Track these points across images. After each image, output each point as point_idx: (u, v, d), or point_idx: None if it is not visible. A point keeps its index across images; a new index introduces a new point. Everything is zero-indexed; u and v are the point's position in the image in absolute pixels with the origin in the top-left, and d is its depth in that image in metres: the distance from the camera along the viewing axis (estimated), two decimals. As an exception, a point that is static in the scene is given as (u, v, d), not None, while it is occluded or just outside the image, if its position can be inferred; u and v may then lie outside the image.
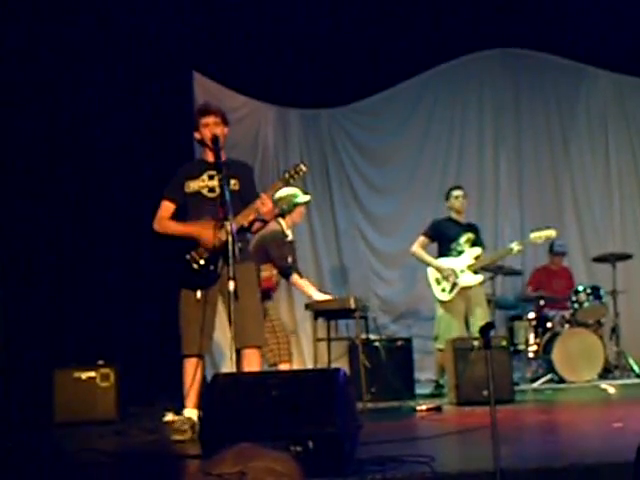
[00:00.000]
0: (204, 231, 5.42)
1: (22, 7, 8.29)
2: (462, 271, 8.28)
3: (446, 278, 8.28)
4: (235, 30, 9.37)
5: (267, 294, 7.00)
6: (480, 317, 8.14)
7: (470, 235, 8.45)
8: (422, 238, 8.55)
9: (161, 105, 8.76)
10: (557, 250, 9.92)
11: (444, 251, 8.46)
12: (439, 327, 8.38)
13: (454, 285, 8.25)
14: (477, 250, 8.39)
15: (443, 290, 8.33)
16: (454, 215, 8.56)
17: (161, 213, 5.68)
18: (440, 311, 8.40)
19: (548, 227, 8.53)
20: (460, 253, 8.37)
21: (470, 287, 8.29)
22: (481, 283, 8.42)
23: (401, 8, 9.78)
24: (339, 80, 10.02)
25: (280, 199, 7.13)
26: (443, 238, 8.50)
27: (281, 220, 7.20)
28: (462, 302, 8.30)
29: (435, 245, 8.60)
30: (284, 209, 7.18)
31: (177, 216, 5.68)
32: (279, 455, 1.50)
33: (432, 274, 8.42)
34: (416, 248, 8.52)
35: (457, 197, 8.57)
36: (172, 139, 8.64)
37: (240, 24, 9.38)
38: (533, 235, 8.41)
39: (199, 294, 5.47)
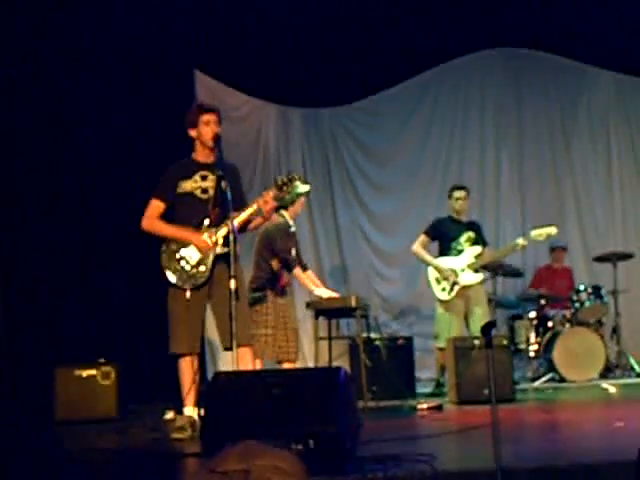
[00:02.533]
0: (200, 241, 5.44)
1: (24, 4, 8.29)
2: (462, 270, 8.29)
3: (446, 278, 8.29)
4: (237, 29, 9.37)
5: (283, 290, 7.02)
6: (480, 316, 8.14)
7: (470, 234, 8.45)
8: (422, 237, 8.56)
9: (163, 104, 8.75)
10: (555, 245, 9.89)
11: (444, 250, 8.47)
12: (439, 326, 8.40)
13: (454, 284, 8.26)
14: (477, 249, 8.40)
15: (443, 290, 8.33)
16: (454, 214, 8.56)
17: (150, 212, 5.64)
18: (440, 310, 8.41)
19: (549, 224, 8.53)
20: (460, 252, 8.38)
21: (470, 286, 8.29)
22: (481, 282, 8.42)
23: (403, 7, 9.77)
24: (341, 79, 10.01)
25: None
26: (443, 237, 8.51)
27: (284, 212, 7.20)
28: (462, 301, 8.30)
29: (437, 244, 8.61)
30: (287, 200, 7.17)
31: (165, 216, 5.66)
32: (284, 453, 1.50)
33: (432, 273, 8.43)
34: (417, 247, 8.53)
35: (457, 199, 8.56)
36: (174, 138, 8.62)
37: (242, 23, 9.37)
38: (534, 233, 8.39)
39: (188, 294, 5.46)
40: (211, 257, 5.40)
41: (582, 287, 9.30)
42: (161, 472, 4.29)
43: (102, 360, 7.07)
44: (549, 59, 10.64)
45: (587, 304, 9.13)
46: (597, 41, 10.23)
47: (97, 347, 7.54)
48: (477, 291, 8.35)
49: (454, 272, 8.27)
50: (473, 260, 8.33)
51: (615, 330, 9.34)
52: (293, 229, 7.27)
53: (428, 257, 8.49)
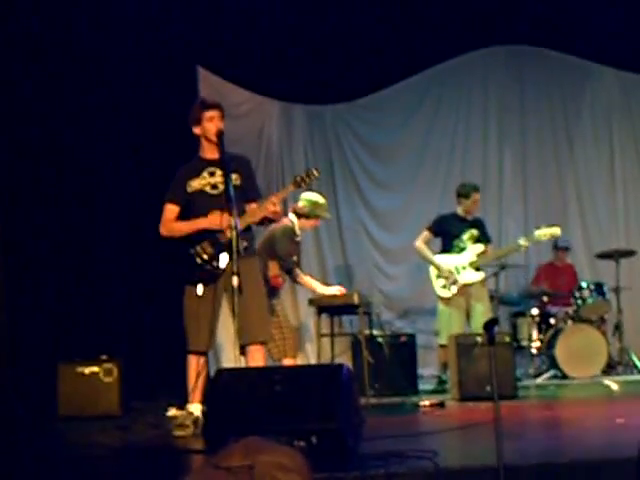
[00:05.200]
0: (212, 218, 5.42)
1: (26, 3, 8.29)
2: (463, 268, 8.28)
3: (446, 277, 8.29)
4: (240, 25, 9.36)
5: (274, 291, 7.03)
6: (481, 313, 8.14)
7: (473, 232, 8.42)
8: (425, 233, 8.55)
9: (165, 100, 8.75)
10: (561, 245, 9.91)
11: (447, 247, 8.46)
12: (440, 323, 8.40)
13: (454, 282, 8.25)
14: (480, 247, 8.37)
15: (443, 287, 8.33)
16: (460, 212, 8.52)
17: (166, 216, 5.64)
18: (441, 307, 8.40)
19: (552, 225, 8.52)
20: (462, 250, 8.36)
21: (471, 284, 8.28)
22: (483, 280, 8.40)
23: (406, 4, 9.76)
24: (344, 76, 10.00)
25: (308, 202, 7.23)
26: (446, 234, 8.48)
27: (295, 218, 7.24)
28: (463, 298, 8.29)
29: (440, 240, 8.59)
30: (304, 212, 7.23)
31: (181, 218, 5.66)
32: (287, 449, 1.51)
33: (433, 270, 8.42)
34: (419, 243, 8.52)
35: (475, 202, 8.49)
36: (176, 135, 8.62)
37: (245, 19, 9.36)
38: (537, 232, 8.38)
39: (200, 290, 5.45)
40: (224, 252, 5.36)
41: (584, 284, 9.30)
42: (163, 469, 4.29)
43: (105, 357, 7.08)
44: (552, 56, 10.61)
45: (589, 301, 9.14)
46: (601, 39, 10.20)
47: (100, 344, 7.55)
48: (478, 288, 8.34)
49: (455, 270, 8.26)
50: (475, 258, 8.32)
51: (617, 327, 9.34)
52: (299, 238, 7.32)
53: (429, 254, 8.48)
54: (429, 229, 8.56)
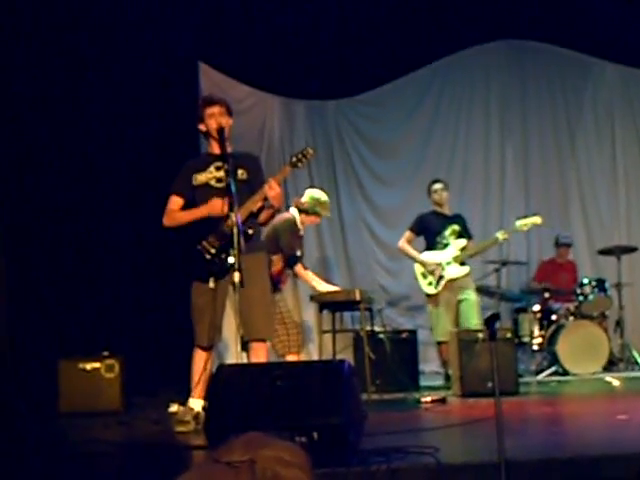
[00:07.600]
0: (212, 204, 5.39)
1: (27, 3, 8.30)
2: (448, 263, 8.30)
3: (432, 272, 8.31)
4: (241, 21, 9.36)
5: (277, 286, 7.02)
6: (472, 301, 8.22)
7: (455, 227, 8.46)
8: (408, 233, 8.62)
9: (167, 96, 8.75)
10: (562, 241, 9.91)
11: (430, 245, 8.50)
12: (431, 321, 8.45)
13: (440, 278, 8.28)
14: (462, 242, 8.41)
15: (430, 284, 8.36)
16: (438, 208, 8.58)
17: (170, 207, 5.63)
18: (429, 306, 8.47)
19: (534, 214, 8.57)
20: (446, 246, 8.40)
21: (457, 278, 8.30)
22: (468, 274, 8.41)
23: (408, -1, 9.77)
24: (345, 71, 10.00)
25: (311, 199, 7.24)
26: (428, 232, 8.54)
27: (296, 213, 7.24)
28: (451, 293, 8.30)
29: (423, 239, 8.62)
30: (306, 207, 7.23)
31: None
32: (288, 444, 1.50)
33: (418, 269, 8.45)
34: (402, 243, 8.59)
35: (436, 191, 8.60)
36: (178, 131, 8.63)
37: (246, 14, 9.37)
38: (519, 223, 8.45)
39: (212, 283, 5.41)
40: (234, 244, 5.31)
41: (586, 280, 9.29)
42: (165, 465, 4.29)
43: (106, 353, 7.07)
44: (554, 51, 10.60)
45: (591, 297, 9.13)
46: (603, 34, 10.19)
47: (101, 340, 7.55)
48: (465, 281, 8.36)
49: (440, 266, 8.29)
50: (458, 253, 8.35)
51: (619, 323, 9.33)
52: (301, 233, 7.32)
53: (413, 252, 8.53)
54: (411, 229, 8.64)
